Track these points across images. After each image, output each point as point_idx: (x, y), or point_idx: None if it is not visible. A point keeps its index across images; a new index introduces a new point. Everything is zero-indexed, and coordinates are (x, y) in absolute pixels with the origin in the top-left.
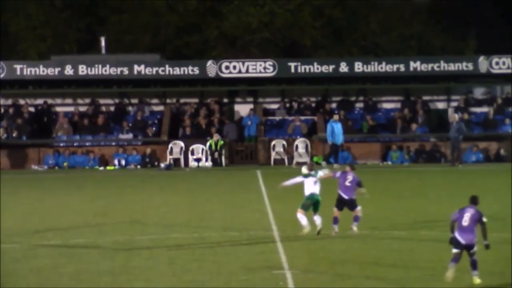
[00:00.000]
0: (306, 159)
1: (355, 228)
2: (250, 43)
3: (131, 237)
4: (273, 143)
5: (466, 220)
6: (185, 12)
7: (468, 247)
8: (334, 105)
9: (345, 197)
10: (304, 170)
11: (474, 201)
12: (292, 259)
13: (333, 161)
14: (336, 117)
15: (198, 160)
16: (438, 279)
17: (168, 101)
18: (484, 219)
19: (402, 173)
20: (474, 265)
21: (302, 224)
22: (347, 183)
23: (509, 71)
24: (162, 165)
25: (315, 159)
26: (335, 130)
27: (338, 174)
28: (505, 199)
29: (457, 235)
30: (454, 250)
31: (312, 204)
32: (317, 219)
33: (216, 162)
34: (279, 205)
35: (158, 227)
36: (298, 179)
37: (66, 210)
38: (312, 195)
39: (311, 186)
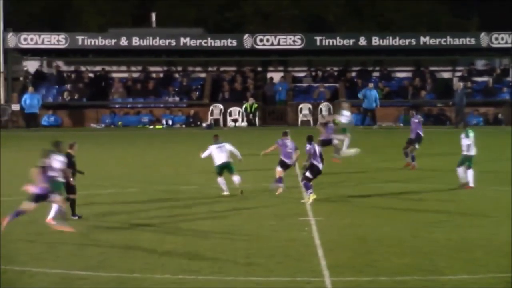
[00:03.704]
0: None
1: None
2: (281, 18)
3: (177, 187)
4: (300, 106)
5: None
6: None
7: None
8: (354, 74)
9: (288, 162)
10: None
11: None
12: (316, 208)
13: (361, 123)
14: (370, 85)
15: (235, 120)
16: None
17: (209, 69)
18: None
19: None
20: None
21: (223, 188)
22: (288, 150)
23: (507, 45)
24: (204, 124)
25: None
26: (368, 96)
27: (280, 142)
28: (503, 156)
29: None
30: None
31: (222, 169)
32: (236, 179)
33: (250, 123)
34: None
35: (201, 178)
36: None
37: (120, 162)
38: (219, 166)
39: (217, 156)
